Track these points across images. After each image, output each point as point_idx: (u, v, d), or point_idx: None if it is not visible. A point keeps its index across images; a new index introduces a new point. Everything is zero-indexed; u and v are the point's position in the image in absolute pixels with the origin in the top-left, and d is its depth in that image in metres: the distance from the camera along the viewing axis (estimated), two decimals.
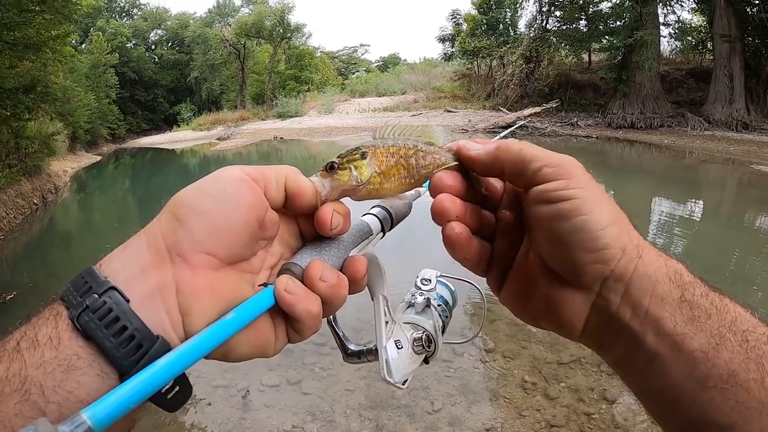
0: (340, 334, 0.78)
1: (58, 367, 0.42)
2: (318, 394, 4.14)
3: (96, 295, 0.45)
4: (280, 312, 0.54)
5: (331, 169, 0.59)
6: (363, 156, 0.61)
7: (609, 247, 0.51)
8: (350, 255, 0.62)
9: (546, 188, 0.54)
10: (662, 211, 10.11)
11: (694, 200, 11.01)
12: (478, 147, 0.60)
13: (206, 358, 0.49)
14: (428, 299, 0.83)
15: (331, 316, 0.76)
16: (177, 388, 0.47)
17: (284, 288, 0.53)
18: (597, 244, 0.51)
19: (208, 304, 0.50)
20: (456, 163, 0.63)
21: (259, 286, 0.55)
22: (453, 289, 0.92)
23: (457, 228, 0.58)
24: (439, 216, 0.59)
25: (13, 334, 0.44)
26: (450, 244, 0.59)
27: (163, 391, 0.46)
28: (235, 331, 0.50)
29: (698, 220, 9.61)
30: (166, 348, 0.46)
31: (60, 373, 0.42)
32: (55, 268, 9.06)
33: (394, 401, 3.96)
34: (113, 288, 0.46)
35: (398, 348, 0.75)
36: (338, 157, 0.61)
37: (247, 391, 4.16)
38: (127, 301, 0.46)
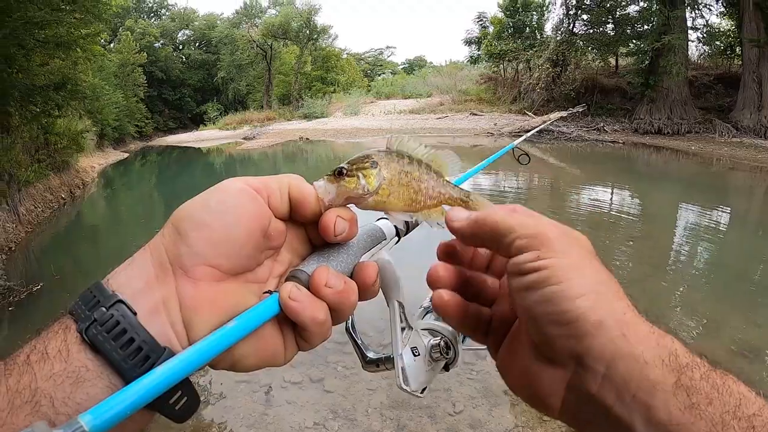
0: (359, 341, 0.79)
1: (68, 379, 0.43)
2: (340, 392, 4.15)
3: (104, 309, 0.46)
4: (288, 320, 0.54)
5: (339, 174, 0.58)
6: (373, 165, 0.59)
7: (580, 320, 0.46)
8: (361, 260, 0.61)
9: (517, 260, 0.51)
10: (689, 219, 9.97)
11: (721, 208, 10.83)
12: (462, 217, 0.57)
13: (214, 368, 0.51)
14: None
15: (350, 323, 0.78)
16: (185, 399, 0.48)
17: (288, 295, 0.52)
18: (565, 317, 0.47)
19: (211, 316, 0.50)
20: (461, 200, 0.64)
21: (264, 293, 0.54)
22: None
23: (445, 296, 0.58)
24: (429, 283, 0.59)
25: (23, 348, 0.45)
26: (438, 311, 0.59)
27: (171, 401, 0.47)
28: (238, 339, 0.50)
29: (725, 228, 9.46)
30: (171, 356, 0.47)
31: (69, 385, 0.43)
32: (80, 261, 9.20)
33: (415, 402, 3.96)
34: (120, 301, 0.47)
35: (415, 355, 0.74)
36: (348, 162, 0.59)
37: (270, 387, 4.18)
38: (134, 314, 0.47)
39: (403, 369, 0.71)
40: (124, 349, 0.45)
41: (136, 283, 0.49)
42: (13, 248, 9.05)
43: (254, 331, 0.51)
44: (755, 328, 5.05)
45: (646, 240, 8.62)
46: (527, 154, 2.29)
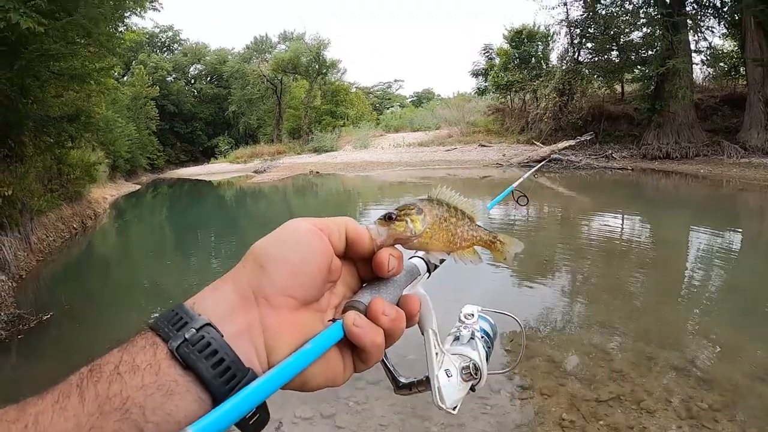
0: (391, 368, 0.84)
1: (158, 391, 0.46)
2: (352, 428, 4.08)
3: (194, 330, 0.49)
4: (347, 344, 0.60)
5: (389, 219, 0.65)
6: (419, 212, 0.67)
7: None
8: (403, 293, 0.68)
9: None
10: (701, 243, 9.87)
11: (732, 230, 10.74)
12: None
13: (285, 388, 0.54)
14: (473, 332, 0.93)
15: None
16: (258, 414, 0.52)
17: (353, 322, 0.58)
18: None
19: (290, 341, 0.55)
20: (490, 241, 0.75)
21: (328, 321, 0.60)
22: (493, 322, 1.00)
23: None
24: None
25: (107, 358, 0.48)
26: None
27: (247, 416, 0.50)
28: (312, 360, 0.55)
29: (737, 250, 9.37)
30: (254, 377, 0.51)
31: (160, 397, 0.46)
32: (91, 292, 9.22)
33: None
34: (210, 324, 0.51)
35: (448, 376, 0.82)
36: (396, 209, 0.67)
37: (280, 422, 4.10)
38: (222, 336, 0.51)
39: (439, 389, 0.80)
40: (215, 368, 0.49)
41: (221, 309, 0.54)
42: (24, 276, 9.09)
43: (322, 354, 0.57)
44: None
45: (658, 267, 8.55)
46: (526, 196, 2.36)
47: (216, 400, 0.48)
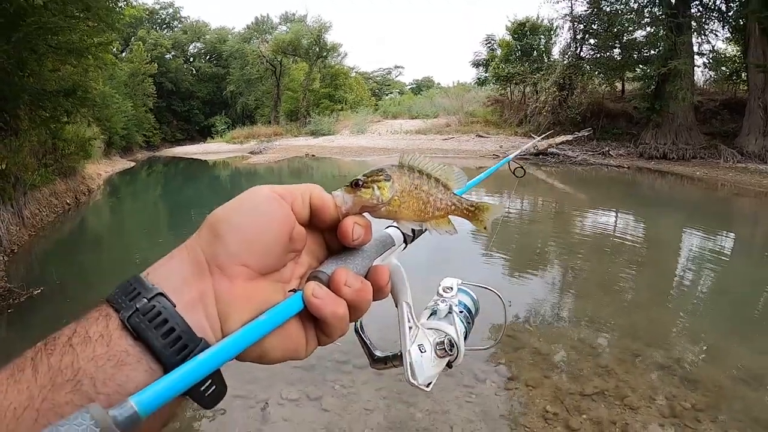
0: (367, 341, 0.82)
1: (109, 362, 0.45)
2: (337, 411, 4.11)
3: (145, 300, 0.49)
4: (309, 316, 0.58)
5: (355, 185, 0.63)
6: (387, 178, 0.64)
7: None
8: (374, 264, 0.66)
9: None
10: (693, 245, 9.91)
11: (725, 234, 10.78)
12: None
13: (243, 359, 0.54)
14: (450, 306, 0.89)
15: (359, 324, 0.83)
16: (214, 387, 0.50)
17: (312, 293, 0.56)
18: None
19: (245, 311, 0.54)
20: (467, 210, 0.70)
21: (289, 291, 0.58)
22: (475, 297, 0.97)
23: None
24: None
25: (63, 331, 0.48)
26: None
27: (202, 388, 0.49)
28: (267, 331, 0.53)
29: (729, 254, 9.41)
30: (206, 347, 0.50)
31: (110, 368, 0.45)
32: (82, 268, 9.21)
33: (413, 423, 3.93)
34: (161, 294, 0.50)
35: (421, 352, 0.79)
36: (364, 175, 0.64)
37: (266, 403, 4.14)
38: (174, 306, 0.50)
39: (411, 364, 0.77)
40: (165, 338, 0.48)
41: (175, 278, 0.53)
42: (15, 251, 9.07)
43: (281, 325, 0.55)
44: (758, 355, 5.01)
45: (649, 266, 8.59)
46: (522, 168, 2.33)
47: (167, 371, 0.47)
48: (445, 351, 0.81)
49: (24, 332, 5.91)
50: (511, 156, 2.53)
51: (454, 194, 0.69)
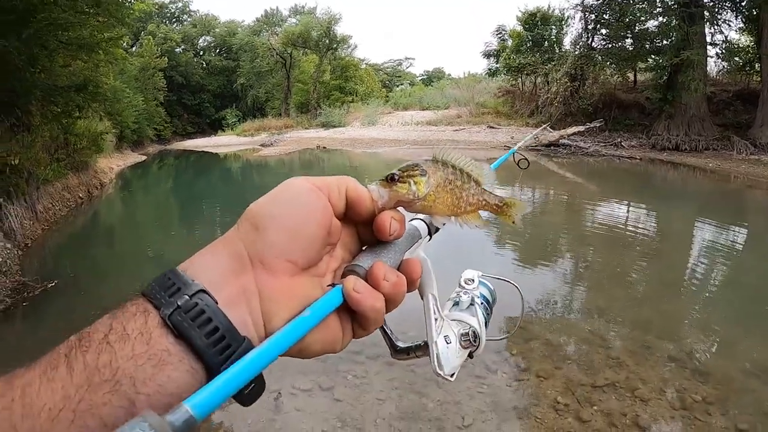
0: (389, 332, 0.82)
1: (149, 361, 0.44)
2: (349, 401, 4.13)
3: (187, 296, 0.48)
4: (346, 309, 0.58)
5: (391, 180, 0.63)
6: (423, 173, 0.64)
7: None
8: (405, 257, 0.66)
9: None
10: (705, 237, 9.83)
11: (738, 226, 10.67)
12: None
13: (283, 355, 0.53)
14: (472, 298, 0.91)
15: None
16: (253, 384, 0.49)
17: (352, 287, 0.56)
18: None
19: (288, 307, 0.54)
20: (496, 205, 0.71)
21: (328, 286, 0.59)
22: (492, 288, 0.99)
23: None
24: None
25: (96, 326, 0.46)
26: None
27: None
28: (311, 327, 0.53)
29: (742, 247, 9.34)
30: (251, 348, 0.49)
31: (151, 367, 0.44)
32: (95, 261, 9.28)
33: (425, 414, 3.94)
34: (204, 291, 0.49)
35: (447, 343, 0.81)
36: (399, 169, 0.64)
37: (279, 393, 4.16)
38: (216, 302, 0.49)
39: (437, 355, 0.79)
40: (208, 337, 0.47)
41: (214, 273, 0.52)
42: (29, 244, 9.15)
43: (322, 320, 0.55)
44: None
45: (661, 258, 8.55)
46: (526, 159, 2.34)
47: (209, 370, 0.47)
48: (470, 342, 0.84)
49: (39, 325, 5.98)
50: (516, 147, 2.53)
51: (485, 190, 0.70)
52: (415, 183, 0.64)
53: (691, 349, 4.94)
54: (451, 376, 0.80)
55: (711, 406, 3.93)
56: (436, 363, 0.78)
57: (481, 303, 0.92)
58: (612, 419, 3.84)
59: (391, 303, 0.61)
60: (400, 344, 0.83)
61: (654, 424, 3.77)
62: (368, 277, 0.58)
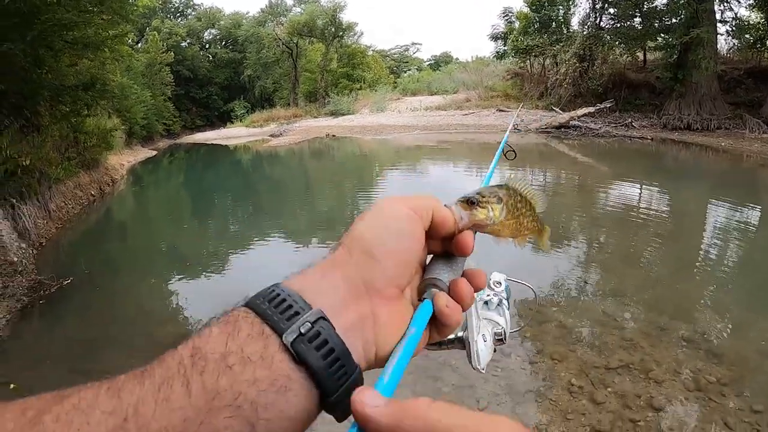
0: None
1: (271, 387, 0.45)
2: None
3: (309, 324, 0.48)
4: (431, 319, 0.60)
5: (471, 203, 0.66)
6: (499, 201, 0.68)
7: None
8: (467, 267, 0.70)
9: None
10: (718, 217, 9.76)
11: (751, 206, 10.58)
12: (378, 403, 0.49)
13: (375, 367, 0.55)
14: (500, 299, 0.98)
15: None
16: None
17: (445, 304, 0.59)
18: None
19: (397, 329, 0.56)
20: (538, 230, 0.78)
21: (419, 301, 0.61)
22: (509, 287, 1.10)
23: None
24: None
25: (208, 342, 0.46)
26: None
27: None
28: (417, 343, 0.56)
29: (755, 226, 9.27)
30: (360, 375, 0.51)
31: (273, 393, 0.45)
32: (109, 257, 9.37)
33: (440, 397, 3.95)
34: (325, 318, 0.50)
35: (484, 341, 0.92)
36: (479, 194, 0.67)
37: None
38: (334, 329, 0.50)
39: (477, 353, 0.90)
40: (330, 366, 0.48)
41: (332, 300, 0.52)
42: (43, 243, 9.24)
43: None
44: None
45: (674, 238, 8.51)
46: (513, 150, 2.37)
47: (326, 397, 0.48)
48: (501, 340, 0.95)
49: (56, 322, 6.05)
50: (504, 141, 2.55)
51: (537, 216, 0.76)
52: (493, 210, 0.67)
53: (705, 330, 4.92)
54: (484, 369, 0.91)
55: (725, 387, 3.92)
56: (476, 360, 0.89)
57: (506, 302, 1.02)
58: (626, 401, 3.85)
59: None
60: None
61: (668, 406, 3.78)
62: (454, 294, 0.61)
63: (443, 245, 0.65)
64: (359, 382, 0.50)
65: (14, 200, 8.91)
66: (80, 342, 5.56)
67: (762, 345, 4.61)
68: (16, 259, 7.57)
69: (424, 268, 0.64)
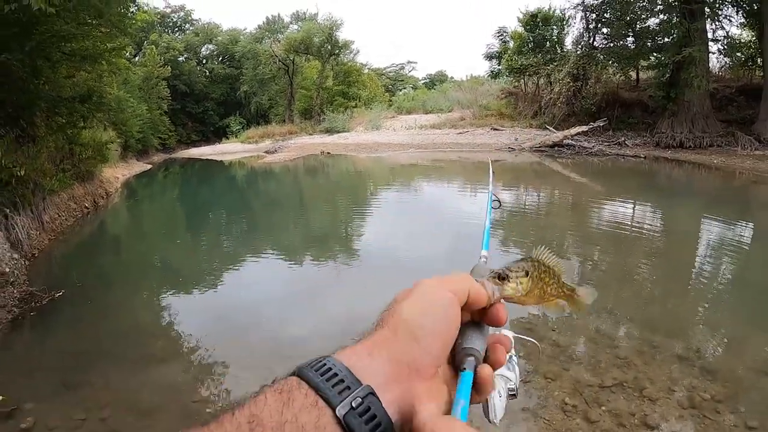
0: None
1: None
2: None
3: (360, 399, 0.52)
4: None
5: (501, 279, 0.71)
6: (526, 274, 0.74)
7: None
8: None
9: None
10: (711, 234, 9.80)
11: (744, 223, 10.63)
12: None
13: None
14: (510, 355, 1.01)
15: None
16: None
17: (489, 375, 0.62)
18: None
19: (432, 403, 0.57)
20: (569, 293, 0.82)
21: (460, 372, 0.63)
22: (513, 341, 1.15)
23: None
24: None
25: (264, 408, 0.50)
26: None
27: None
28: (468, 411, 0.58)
29: (749, 243, 9.30)
30: None
31: None
32: (102, 270, 9.31)
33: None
34: (374, 394, 0.53)
35: (500, 397, 1.00)
36: (509, 269, 0.73)
37: None
38: (381, 405, 0.53)
39: (494, 408, 0.99)
40: None
41: (378, 377, 0.55)
42: (36, 255, 9.18)
43: None
44: None
45: (667, 256, 8.53)
46: (498, 200, 2.44)
47: None
48: (514, 395, 1.03)
49: (47, 334, 6.00)
50: (491, 191, 2.62)
51: (564, 283, 0.81)
52: (521, 283, 0.73)
53: (699, 347, 4.92)
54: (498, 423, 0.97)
55: (720, 405, 3.91)
56: (493, 413, 0.96)
57: (515, 357, 1.10)
58: (620, 419, 3.83)
59: None
60: None
61: (663, 424, 3.76)
62: (490, 360, 0.65)
63: (473, 314, 0.68)
64: None
65: (8, 210, 8.86)
66: (72, 354, 5.51)
67: (756, 362, 4.61)
68: (8, 269, 7.52)
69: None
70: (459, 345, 0.64)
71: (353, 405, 0.51)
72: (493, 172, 2.78)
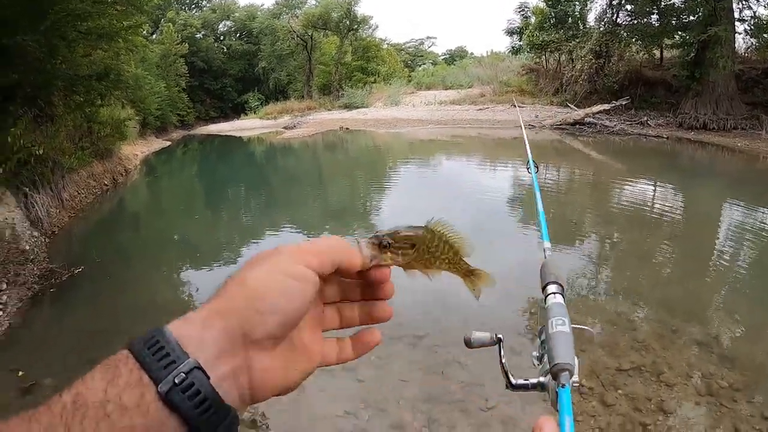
0: (506, 368, 1.09)
1: None
2: (372, 382, 4.16)
3: (183, 374, 0.49)
4: None
5: (381, 246, 0.65)
6: (413, 246, 0.69)
7: None
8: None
9: None
10: (733, 218, 9.65)
11: (766, 208, 10.53)
12: None
13: None
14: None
15: (500, 348, 1.14)
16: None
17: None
18: None
19: (283, 370, 0.58)
20: (468, 271, 0.77)
21: (558, 389, 0.70)
22: None
23: None
24: None
25: (89, 388, 0.47)
26: None
27: None
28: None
29: None
30: (236, 417, 0.53)
31: None
32: (121, 247, 9.45)
33: (448, 396, 3.95)
34: (198, 368, 0.50)
35: None
36: (392, 238, 0.67)
37: None
38: (209, 379, 0.51)
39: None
40: (202, 414, 0.49)
41: (209, 350, 0.52)
42: (56, 232, 9.30)
43: None
44: None
45: (688, 239, 8.43)
46: (536, 165, 2.43)
47: None
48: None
49: (65, 311, 6.10)
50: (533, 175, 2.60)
51: (461, 258, 0.75)
52: (402, 255, 0.68)
53: (718, 333, 4.87)
54: None
55: (737, 393, 3.87)
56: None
57: None
58: (636, 403, 3.81)
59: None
60: (519, 381, 1.06)
61: (679, 410, 3.74)
62: None
63: (352, 276, 0.66)
64: (234, 422, 0.52)
65: (27, 189, 8.97)
66: (90, 331, 5.59)
67: None
68: (28, 247, 7.63)
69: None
70: (551, 360, 0.64)
71: (176, 381, 0.48)
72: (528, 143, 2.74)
